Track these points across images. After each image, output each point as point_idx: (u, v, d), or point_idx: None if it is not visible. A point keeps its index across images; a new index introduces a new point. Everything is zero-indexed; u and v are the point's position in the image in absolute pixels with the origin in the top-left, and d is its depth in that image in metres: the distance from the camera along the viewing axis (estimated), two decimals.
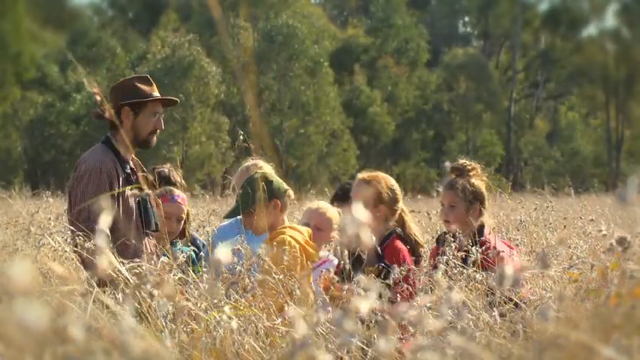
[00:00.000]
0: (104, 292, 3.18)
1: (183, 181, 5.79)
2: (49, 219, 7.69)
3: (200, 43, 43.90)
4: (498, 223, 7.50)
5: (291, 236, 4.70)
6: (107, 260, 1.93)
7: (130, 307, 2.73)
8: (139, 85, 5.03)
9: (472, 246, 4.36)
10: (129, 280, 3.28)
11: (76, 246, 4.11)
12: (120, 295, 3.28)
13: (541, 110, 57.65)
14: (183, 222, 5.38)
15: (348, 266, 4.23)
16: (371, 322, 3.08)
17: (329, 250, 5.50)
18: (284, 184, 4.98)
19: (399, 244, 4.92)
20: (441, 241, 5.05)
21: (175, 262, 3.66)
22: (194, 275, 3.72)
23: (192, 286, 3.57)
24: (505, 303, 3.69)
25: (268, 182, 4.86)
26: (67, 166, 42.33)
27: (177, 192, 5.40)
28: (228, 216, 5.15)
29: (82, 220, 4.66)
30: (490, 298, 3.74)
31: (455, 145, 51.71)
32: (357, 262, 4.55)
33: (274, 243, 4.54)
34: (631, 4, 53.15)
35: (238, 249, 3.94)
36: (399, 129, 50.79)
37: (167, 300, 2.91)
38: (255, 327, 3.45)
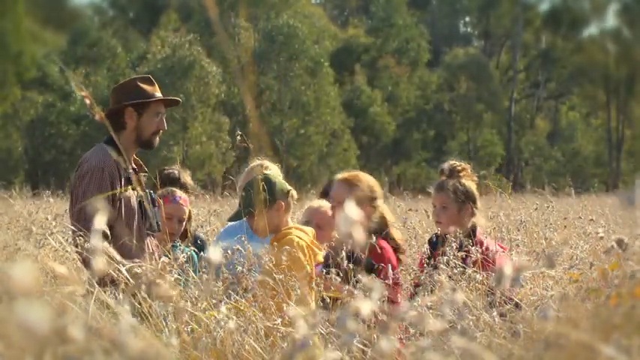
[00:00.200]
0: (105, 292, 3.19)
1: (193, 183, 5.80)
2: (47, 219, 7.68)
3: (200, 43, 43.91)
4: (498, 223, 7.50)
5: (297, 237, 4.71)
6: (104, 260, 1.93)
7: (129, 307, 2.73)
8: (142, 85, 5.02)
9: (465, 246, 4.37)
10: (129, 280, 3.29)
11: (76, 246, 4.11)
12: (121, 295, 3.28)
13: (542, 110, 57.65)
14: (184, 223, 5.39)
15: (349, 265, 4.23)
16: (371, 322, 3.08)
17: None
18: (287, 184, 4.98)
19: (383, 242, 4.92)
20: (432, 242, 5.06)
21: (175, 263, 3.66)
22: (194, 275, 3.72)
23: (192, 287, 3.57)
24: (505, 303, 3.69)
25: (271, 184, 4.84)
26: (67, 166, 42.35)
27: (178, 193, 5.40)
28: (232, 219, 5.13)
29: (82, 220, 4.66)
30: (490, 298, 3.74)
31: (455, 145, 51.70)
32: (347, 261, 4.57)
33: (280, 244, 4.54)
34: (631, 4, 53.16)
35: (238, 249, 3.94)
36: (400, 129, 50.80)
37: (164, 301, 2.92)
38: (256, 327, 3.46)
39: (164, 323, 3.33)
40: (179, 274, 3.66)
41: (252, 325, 3.44)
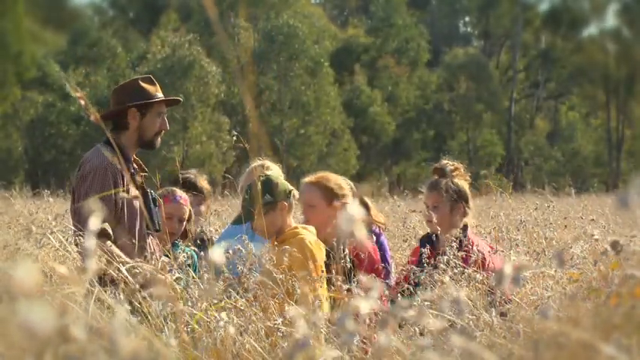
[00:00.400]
0: (105, 291, 3.19)
1: (209, 187, 5.80)
2: (47, 219, 7.68)
3: (200, 42, 43.91)
4: (499, 223, 7.50)
5: (306, 236, 4.72)
6: (98, 260, 1.94)
7: (126, 307, 2.73)
8: (144, 85, 5.01)
9: (465, 246, 4.37)
10: (128, 280, 3.29)
11: (77, 245, 4.11)
12: (121, 295, 3.28)
13: (541, 110, 57.65)
14: (185, 222, 5.38)
15: (349, 265, 4.24)
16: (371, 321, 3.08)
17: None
18: (288, 185, 4.97)
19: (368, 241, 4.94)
20: (423, 241, 5.05)
21: (176, 263, 3.66)
22: (194, 275, 3.72)
23: (192, 286, 3.57)
24: (505, 302, 3.69)
25: (274, 185, 4.83)
26: (67, 166, 42.34)
27: (179, 192, 5.40)
28: (236, 222, 5.10)
29: (83, 220, 4.66)
30: (490, 298, 3.74)
31: (455, 145, 51.70)
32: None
33: (290, 243, 4.55)
34: (631, 4, 53.16)
35: (239, 249, 3.93)
36: (400, 129, 50.80)
37: (161, 300, 2.92)
38: (256, 327, 3.45)
39: (164, 323, 3.33)
40: (180, 274, 3.66)
41: (253, 325, 3.44)
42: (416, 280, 4.12)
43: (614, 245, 2.87)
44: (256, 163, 5.61)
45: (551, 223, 8.07)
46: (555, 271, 4.19)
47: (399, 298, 4.20)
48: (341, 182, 5.19)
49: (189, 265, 3.88)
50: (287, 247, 4.20)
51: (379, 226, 5.72)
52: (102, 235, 4.49)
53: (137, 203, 4.89)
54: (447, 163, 5.19)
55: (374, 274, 4.38)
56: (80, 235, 4.05)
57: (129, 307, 3.05)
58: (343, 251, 4.32)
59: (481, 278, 3.96)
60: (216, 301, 3.44)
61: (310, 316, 1.93)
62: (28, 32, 43.22)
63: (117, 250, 4.55)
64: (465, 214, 5.11)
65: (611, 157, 53.84)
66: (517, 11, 55.04)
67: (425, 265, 4.31)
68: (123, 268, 3.34)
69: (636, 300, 2.35)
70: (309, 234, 4.76)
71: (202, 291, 3.41)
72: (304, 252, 4.50)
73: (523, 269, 1.94)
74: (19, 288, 1.44)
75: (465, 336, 1.85)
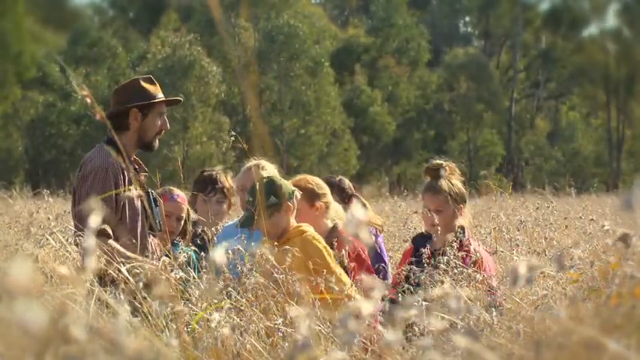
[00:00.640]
0: (106, 291, 3.19)
1: (232, 185, 5.78)
2: (48, 219, 7.68)
3: (201, 42, 43.92)
4: (499, 223, 7.50)
5: (312, 234, 4.75)
6: (97, 260, 1.94)
7: (126, 306, 2.73)
8: (145, 85, 5.01)
9: (466, 246, 4.37)
10: (128, 280, 3.29)
11: (77, 245, 4.11)
12: (121, 295, 3.28)
13: (542, 110, 57.64)
14: (183, 221, 5.38)
15: (352, 264, 4.25)
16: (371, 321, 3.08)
17: None
18: (290, 185, 4.96)
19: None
20: (417, 241, 5.02)
21: (176, 263, 3.66)
22: (194, 275, 3.72)
23: (192, 286, 3.57)
24: (499, 305, 3.69)
25: (277, 186, 4.82)
26: (67, 166, 42.33)
27: (176, 191, 5.41)
28: (244, 225, 5.07)
29: (84, 220, 4.65)
30: (490, 298, 3.74)
31: (456, 144, 51.71)
32: None
33: (300, 241, 4.58)
34: (632, 4, 53.15)
35: (238, 249, 3.93)
36: (400, 129, 50.79)
37: (162, 300, 2.92)
38: (257, 327, 3.45)
39: (164, 323, 3.33)
40: (181, 274, 3.66)
41: (254, 325, 3.44)
42: (416, 281, 4.11)
43: (624, 238, 2.86)
44: (252, 162, 5.60)
45: (551, 224, 8.07)
46: (555, 271, 4.19)
47: (400, 298, 4.20)
48: (319, 182, 5.26)
49: (188, 265, 3.88)
50: (288, 247, 4.20)
51: (376, 228, 5.76)
52: (102, 234, 4.49)
53: (139, 203, 4.89)
54: (441, 163, 5.12)
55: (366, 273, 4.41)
56: (80, 235, 4.05)
57: (129, 308, 3.05)
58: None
59: (481, 278, 3.96)
60: (216, 301, 3.44)
61: (310, 317, 1.93)
62: (28, 32, 43.22)
63: (119, 247, 4.55)
64: (461, 215, 5.08)
65: (611, 157, 53.84)
66: (517, 11, 55.04)
67: (425, 265, 4.30)
68: (123, 268, 3.34)
69: (636, 300, 2.35)
70: (313, 230, 4.78)
71: (202, 291, 3.41)
72: (317, 246, 4.54)
73: (535, 269, 1.94)
74: (14, 286, 1.44)
75: (470, 337, 1.84)
